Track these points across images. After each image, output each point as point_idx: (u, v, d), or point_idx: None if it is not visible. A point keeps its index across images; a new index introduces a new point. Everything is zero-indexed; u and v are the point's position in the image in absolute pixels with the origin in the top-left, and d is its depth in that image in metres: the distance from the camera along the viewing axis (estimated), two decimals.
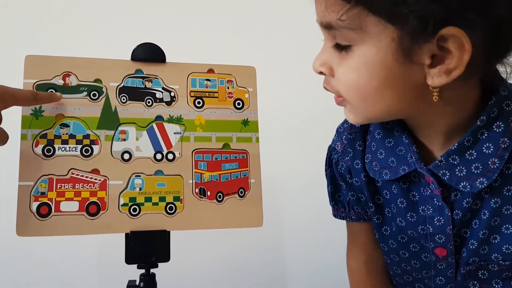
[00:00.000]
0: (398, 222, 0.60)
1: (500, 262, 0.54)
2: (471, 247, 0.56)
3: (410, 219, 0.59)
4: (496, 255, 0.55)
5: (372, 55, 0.45)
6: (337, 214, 0.70)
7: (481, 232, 0.54)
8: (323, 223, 1.03)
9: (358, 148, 0.62)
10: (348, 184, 0.66)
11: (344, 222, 0.72)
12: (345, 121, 0.67)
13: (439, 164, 0.52)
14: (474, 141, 0.50)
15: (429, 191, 0.55)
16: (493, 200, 0.53)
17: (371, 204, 0.62)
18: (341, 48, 0.48)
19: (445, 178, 0.52)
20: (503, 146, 0.50)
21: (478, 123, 0.50)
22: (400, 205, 0.59)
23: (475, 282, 0.58)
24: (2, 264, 1.05)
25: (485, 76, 0.50)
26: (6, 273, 1.05)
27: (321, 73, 0.52)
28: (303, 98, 1.12)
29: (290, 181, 1.11)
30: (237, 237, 1.08)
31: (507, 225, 0.53)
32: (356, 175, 0.63)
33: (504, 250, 0.54)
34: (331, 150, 0.68)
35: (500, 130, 0.50)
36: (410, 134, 0.56)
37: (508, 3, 0.43)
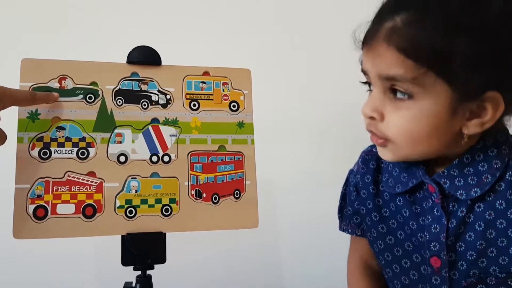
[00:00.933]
0: (406, 229, 0.66)
1: (498, 274, 0.60)
2: (469, 258, 0.60)
3: (412, 227, 0.65)
4: (494, 267, 0.60)
5: (429, 108, 0.54)
6: (340, 227, 0.77)
7: (478, 243, 0.60)
8: (319, 224, 1.04)
9: (371, 166, 0.71)
10: (351, 200, 0.74)
11: (337, 221, 0.76)
12: (367, 147, 0.75)
13: (441, 174, 0.61)
14: (472, 160, 0.60)
15: (431, 202, 0.63)
16: (487, 213, 0.60)
17: (376, 214, 0.69)
18: (395, 95, 0.56)
19: (446, 186, 0.61)
20: (495, 166, 0.59)
21: (477, 146, 0.60)
22: (404, 214, 0.66)
23: None
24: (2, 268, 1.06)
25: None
26: (1, 275, 1.05)
27: (371, 118, 0.58)
28: (299, 100, 1.13)
29: (286, 182, 1.11)
30: (233, 238, 1.08)
31: (502, 239, 0.59)
32: (364, 188, 0.71)
33: (501, 262, 0.59)
34: (350, 172, 0.76)
35: (493, 154, 0.60)
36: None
37: None
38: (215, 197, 0.66)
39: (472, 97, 0.53)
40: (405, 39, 0.52)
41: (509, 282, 0.60)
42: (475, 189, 0.59)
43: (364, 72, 0.61)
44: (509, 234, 0.59)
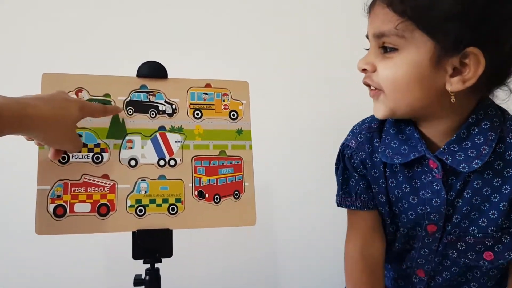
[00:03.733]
0: (404, 203, 0.71)
1: (475, 234, 0.66)
2: (455, 221, 0.67)
3: (412, 202, 0.70)
4: (473, 227, 0.66)
5: (412, 57, 0.58)
6: (342, 203, 0.78)
7: (464, 208, 0.66)
8: (313, 222, 1.10)
9: (376, 144, 0.73)
10: (360, 175, 0.74)
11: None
12: (362, 123, 0.77)
13: (443, 151, 0.65)
14: (468, 134, 0.64)
15: (430, 177, 0.67)
16: (476, 182, 0.65)
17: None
18: (385, 51, 0.61)
19: (448, 161, 0.64)
20: (490, 138, 0.63)
21: (470, 120, 0.64)
22: (404, 190, 0.70)
23: (454, 251, 0.69)
24: (21, 260, 1.11)
25: (484, 96, 0.64)
26: (22, 266, 1.11)
27: (364, 70, 0.65)
28: (293, 109, 1.19)
29: (282, 184, 1.17)
30: (233, 234, 1.14)
31: (485, 203, 0.65)
32: (374, 167, 0.73)
33: (480, 223, 0.66)
34: (344, 147, 0.77)
35: (487, 127, 0.64)
36: (419, 131, 0.68)
37: (508, 45, 0.56)
38: (217, 197, 0.72)
39: (453, 50, 0.56)
40: None
41: (486, 242, 0.66)
42: (476, 161, 0.62)
43: (367, 37, 0.66)
44: (492, 199, 0.65)
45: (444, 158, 0.64)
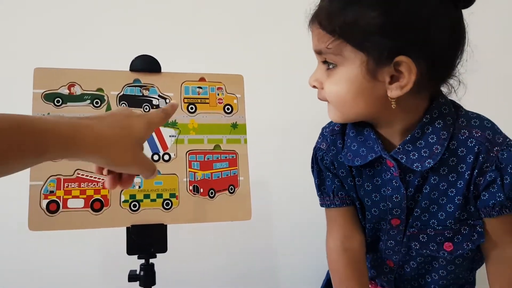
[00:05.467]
0: (366, 201, 0.74)
1: (435, 226, 0.70)
2: (415, 214, 0.70)
3: (374, 199, 0.72)
4: (433, 220, 0.70)
5: (349, 72, 0.61)
6: (323, 203, 0.80)
7: (424, 202, 0.69)
8: (311, 216, 1.10)
9: (339, 145, 0.75)
10: (333, 174, 0.77)
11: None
12: (328, 125, 0.78)
13: (398, 150, 0.67)
14: (422, 133, 0.66)
15: (389, 175, 0.70)
16: (433, 178, 0.68)
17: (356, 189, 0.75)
18: (328, 68, 0.64)
19: (403, 161, 0.66)
20: (443, 137, 0.66)
21: (424, 120, 0.66)
22: (367, 188, 0.73)
23: (416, 243, 0.72)
24: (15, 256, 1.11)
25: (434, 92, 0.66)
26: (16, 262, 1.10)
27: (314, 86, 0.67)
28: (288, 103, 1.19)
29: (278, 178, 1.17)
30: (229, 229, 1.13)
31: (442, 197, 0.68)
32: (341, 167, 0.75)
33: (439, 217, 0.69)
34: (316, 150, 0.79)
35: (440, 126, 0.66)
36: (376, 132, 0.70)
37: (439, 44, 0.59)
38: (212, 192, 0.72)
39: (384, 61, 0.58)
40: (324, 15, 0.61)
41: (446, 233, 0.69)
42: (429, 160, 0.65)
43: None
44: (449, 193, 0.68)
45: (399, 158, 0.67)
